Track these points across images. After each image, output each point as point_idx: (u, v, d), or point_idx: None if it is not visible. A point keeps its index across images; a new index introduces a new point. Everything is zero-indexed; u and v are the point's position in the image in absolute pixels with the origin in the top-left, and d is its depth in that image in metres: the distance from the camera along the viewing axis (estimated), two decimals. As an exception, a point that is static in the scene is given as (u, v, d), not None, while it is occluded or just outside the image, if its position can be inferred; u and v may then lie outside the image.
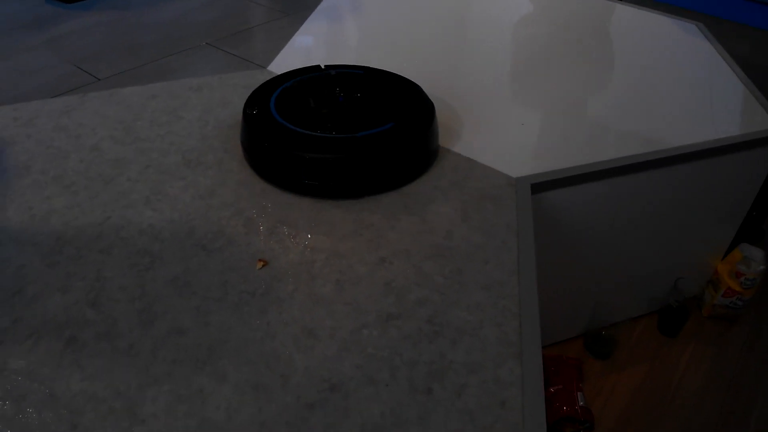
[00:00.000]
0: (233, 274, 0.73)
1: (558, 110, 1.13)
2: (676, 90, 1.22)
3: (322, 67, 1.05)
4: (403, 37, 1.41)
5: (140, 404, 0.58)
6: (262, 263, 0.74)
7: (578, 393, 1.18)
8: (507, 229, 0.81)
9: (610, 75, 1.29)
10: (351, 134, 0.86)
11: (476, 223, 0.82)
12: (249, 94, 0.97)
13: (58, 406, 0.59)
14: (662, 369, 1.31)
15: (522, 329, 0.67)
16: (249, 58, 1.25)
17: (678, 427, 1.20)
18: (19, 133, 1.01)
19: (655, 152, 1.03)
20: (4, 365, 0.62)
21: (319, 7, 1.55)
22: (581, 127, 1.09)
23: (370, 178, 0.87)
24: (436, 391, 0.60)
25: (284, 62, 1.25)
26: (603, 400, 1.23)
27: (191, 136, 0.99)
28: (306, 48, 1.35)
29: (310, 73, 1.04)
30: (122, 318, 0.67)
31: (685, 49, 1.40)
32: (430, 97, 0.97)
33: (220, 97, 1.11)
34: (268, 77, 1.03)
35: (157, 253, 0.76)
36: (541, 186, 0.94)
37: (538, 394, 0.62)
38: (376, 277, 0.73)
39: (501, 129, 1.06)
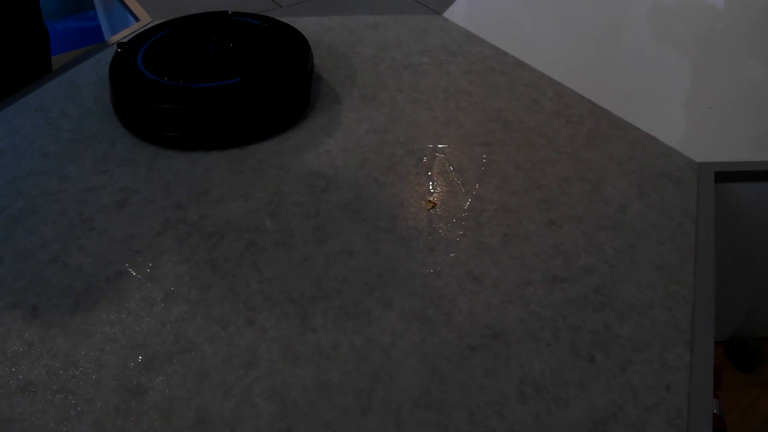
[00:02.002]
0: (402, 209, 0.74)
1: (751, 98, 1.04)
2: None
3: (229, 13, 1.01)
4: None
5: (312, 314, 0.61)
6: (431, 204, 0.75)
7: (714, 400, 1.12)
8: (685, 212, 0.77)
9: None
10: (187, 84, 0.82)
11: (653, 201, 0.78)
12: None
13: (237, 300, 0.63)
14: (809, 395, 1.21)
15: (695, 318, 0.64)
16: (425, 3, 1.24)
17: (817, 460, 1.11)
18: (209, 48, 1.07)
19: None
20: (191, 255, 0.68)
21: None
22: (776, 119, 0.99)
23: (208, 132, 0.83)
24: (599, 360, 0.59)
25: (459, 9, 1.22)
26: (738, 414, 1.15)
27: (366, 72, 1.01)
28: None
29: (207, 18, 1.00)
30: (298, 231, 0.71)
31: None
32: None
33: (395, 38, 1.12)
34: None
35: (332, 178, 0.79)
36: (725, 176, 0.87)
37: (707, 385, 0.59)
38: (545, 237, 0.71)
39: (686, 110, 0.99)
